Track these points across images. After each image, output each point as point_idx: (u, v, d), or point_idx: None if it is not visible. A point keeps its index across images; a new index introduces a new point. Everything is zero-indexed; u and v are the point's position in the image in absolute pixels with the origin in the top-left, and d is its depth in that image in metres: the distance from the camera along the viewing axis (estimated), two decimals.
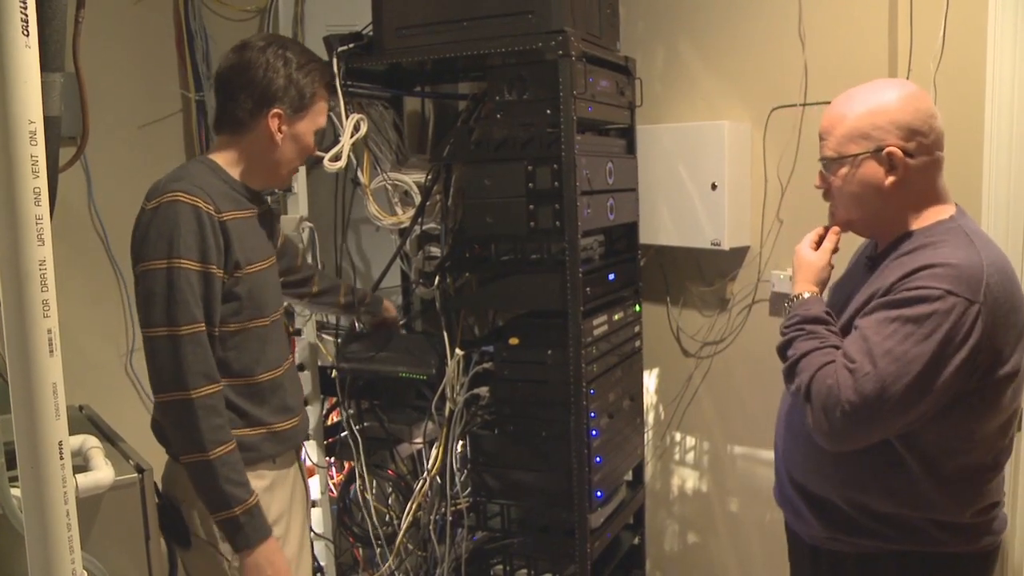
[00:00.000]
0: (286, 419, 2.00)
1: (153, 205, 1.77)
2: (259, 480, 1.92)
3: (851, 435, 1.56)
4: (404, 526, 2.55)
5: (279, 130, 1.90)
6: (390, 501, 2.76)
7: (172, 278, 1.73)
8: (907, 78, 2.40)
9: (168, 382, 1.75)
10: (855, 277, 1.82)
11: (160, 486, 1.96)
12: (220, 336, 1.84)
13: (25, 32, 0.97)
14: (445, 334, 2.45)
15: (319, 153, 2.40)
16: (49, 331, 1.01)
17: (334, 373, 2.60)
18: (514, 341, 2.37)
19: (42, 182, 1.00)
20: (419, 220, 2.48)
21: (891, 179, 1.63)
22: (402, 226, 2.53)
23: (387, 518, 2.71)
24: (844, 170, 1.67)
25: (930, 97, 1.68)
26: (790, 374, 1.68)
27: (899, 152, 1.61)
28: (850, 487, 1.67)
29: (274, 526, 1.95)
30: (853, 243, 1.93)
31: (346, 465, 2.78)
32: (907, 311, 1.52)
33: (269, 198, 2.56)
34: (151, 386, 1.78)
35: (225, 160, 1.92)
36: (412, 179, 2.52)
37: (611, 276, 2.56)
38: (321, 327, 2.71)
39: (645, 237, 2.86)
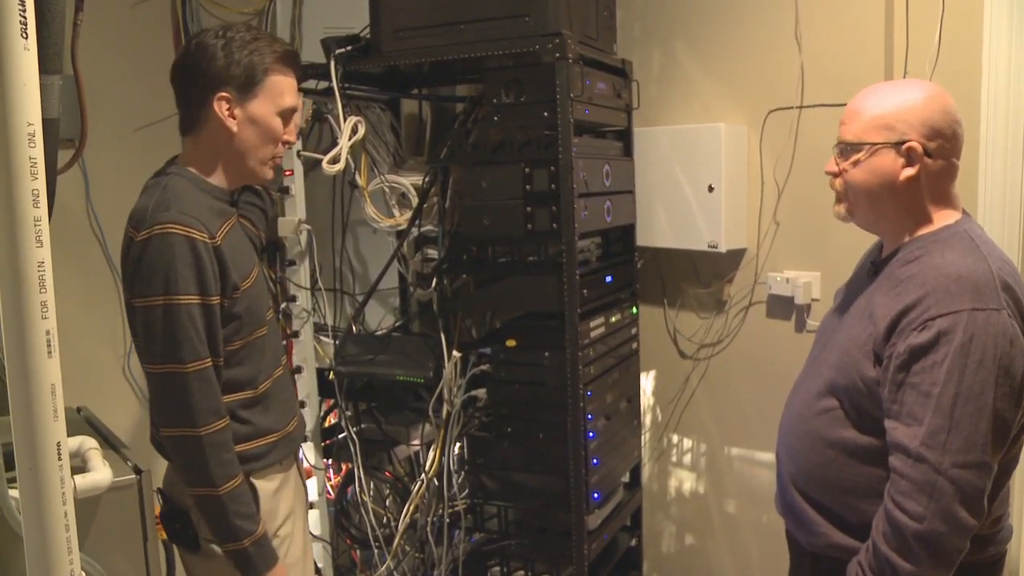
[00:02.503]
0: (289, 420, 2.00)
1: (144, 237, 1.71)
2: (269, 483, 1.92)
3: (982, 497, 1.51)
4: (401, 528, 2.55)
5: (230, 115, 1.81)
6: (387, 503, 2.76)
7: (172, 315, 1.70)
8: None
9: (176, 418, 1.73)
10: (859, 281, 1.81)
11: (164, 492, 1.96)
12: (225, 357, 1.82)
13: (24, 34, 0.97)
14: (442, 336, 2.46)
15: (317, 155, 2.41)
16: (48, 332, 1.01)
17: (332, 375, 2.61)
18: (511, 343, 2.38)
19: (41, 184, 1.00)
20: (416, 222, 2.49)
21: (906, 173, 1.61)
22: (399, 228, 2.54)
23: (384, 520, 2.71)
24: (860, 156, 1.65)
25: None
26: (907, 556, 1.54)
27: (919, 148, 1.60)
28: (858, 496, 1.65)
29: (282, 526, 1.96)
30: (863, 246, 1.93)
31: (344, 467, 2.78)
32: (936, 355, 1.50)
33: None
34: (156, 419, 1.76)
35: (198, 165, 1.86)
36: (409, 181, 2.52)
37: (608, 278, 2.56)
38: (319, 329, 2.71)
39: (642, 239, 2.86)
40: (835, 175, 1.72)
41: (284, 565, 1.90)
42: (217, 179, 1.88)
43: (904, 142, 1.61)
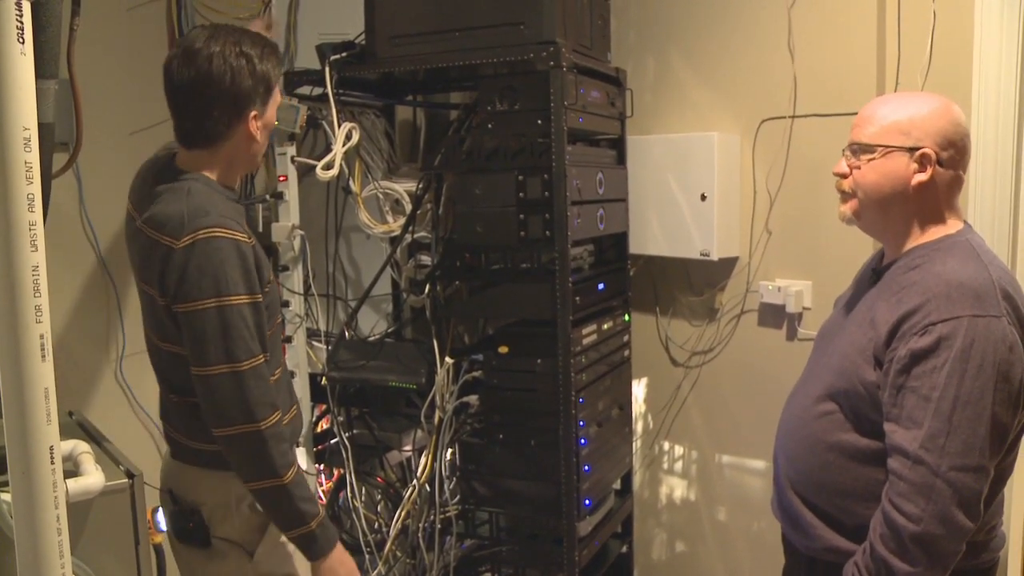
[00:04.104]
0: (292, 408, 2.02)
1: (186, 243, 1.72)
2: None
3: (979, 501, 1.52)
4: (393, 533, 2.55)
5: (256, 128, 1.85)
6: (379, 508, 2.76)
7: (225, 316, 1.71)
8: (895, 90, 2.43)
9: (236, 416, 1.74)
10: (860, 288, 1.83)
11: (173, 491, 1.94)
12: None
13: (20, 39, 0.98)
14: (435, 342, 2.46)
15: (311, 161, 2.42)
16: (41, 336, 1.01)
17: (324, 380, 2.61)
18: (504, 350, 2.38)
19: (36, 188, 1.01)
20: (410, 228, 2.49)
21: (918, 179, 1.63)
22: (393, 234, 2.54)
23: (376, 525, 2.71)
24: (872, 156, 1.67)
25: None
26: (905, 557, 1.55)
27: (933, 156, 1.62)
28: (856, 499, 1.66)
29: None
30: (854, 255, 1.94)
31: (336, 472, 2.78)
32: (936, 360, 1.52)
33: (260, 206, 2.58)
34: (212, 421, 1.75)
35: (213, 172, 1.86)
36: (403, 188, 2.53)
37: (601, 286, 2.57)
38: (312, 334, 2.71)
39: (635, 247, 2.87)
40: (844, 176, 1.74)
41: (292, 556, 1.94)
42: (228, 180, 1.91)
43: (918, 148, 1.63)
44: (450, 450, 2.52)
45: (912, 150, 1.64)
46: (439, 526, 2.49)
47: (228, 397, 1.73)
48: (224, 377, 1.73)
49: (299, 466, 1.82)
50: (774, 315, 2.81)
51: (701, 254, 2.75)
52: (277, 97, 1.92)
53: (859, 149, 1.70)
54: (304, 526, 1.80)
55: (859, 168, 1.70)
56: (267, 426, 1.75)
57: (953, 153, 1.64)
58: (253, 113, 1.83)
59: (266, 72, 1.84)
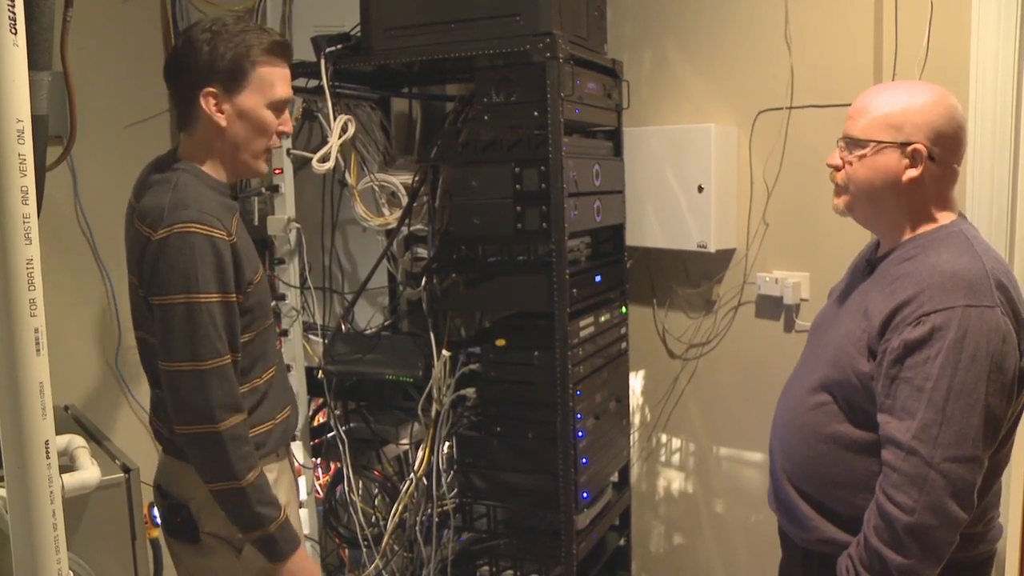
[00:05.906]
0: (285, 408, 2.01)
1: (162, 235, 1.70)
2: (268, 474, 1.91)
3: (972, 491, 1.52)
4: (390, 527, 2.55)
5: (218, 110, 1.79)
6: (376, 502, 2.76)
7: (192, 313, 1.70)
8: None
9: (194, 416, 1.72)
10: (854, 279, 1.83)
11: (162, 487, 1.94)
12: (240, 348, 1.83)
13: (13, 30, 0.97)
14: (432, 335, 2.46)
15: (307, 154, 2.41)
16: (36, 330, 1.01)
17: (321, 374, 2.60)
18: (501, 342, 2.38)
19: (29, 181, 1.00)
20: (406, 221, 2.48)
21: (910, 175, 1.63)
22: (389, 227, 2.53)
23: (373, 519, 2.71)
24: (864, 152, 1.66)
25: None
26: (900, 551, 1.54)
27: (924, 151, 1.62)
28: (851, 490, 1.67)
29: None
30: (852, 246, 1.93)
31: (332, 466, 2.78)
32: (930, 350, 1.52)
33: (256, 199, 2.56)
34: (173, 417, 1.75)
35: (199, 160, 1.84)
36: (399, 180, 2.52)
37: (598, 278, 2.56)
38: (308, 328, 2.71)
39: (631, 239, 2.86)
40: (837, 168, 1.74)
41: None
42: (217, 173, 1.87)
43: (910, 143, 1.62)
44: (447, 443, 2.51)
45: (903, 145, 1.63)
46: (436, 520, 2.49)
47: (189, 395, 1.72)
48: (187, 375, 1.71)
49: (263, 471, 1.80)
50: (771, 307, 2.81)
51: (698, 246, 2.75)
52: (267, 92, 1.83)
53: (851, 144, 1.69)
54: (262, 529, 1.78)
55: (851, 163, 1.69)
56: (226, 428, 1.72)
57: (946, 147, 1.63)
58: (208, 90, 1.78)
59: (235, 55, 1.78)
